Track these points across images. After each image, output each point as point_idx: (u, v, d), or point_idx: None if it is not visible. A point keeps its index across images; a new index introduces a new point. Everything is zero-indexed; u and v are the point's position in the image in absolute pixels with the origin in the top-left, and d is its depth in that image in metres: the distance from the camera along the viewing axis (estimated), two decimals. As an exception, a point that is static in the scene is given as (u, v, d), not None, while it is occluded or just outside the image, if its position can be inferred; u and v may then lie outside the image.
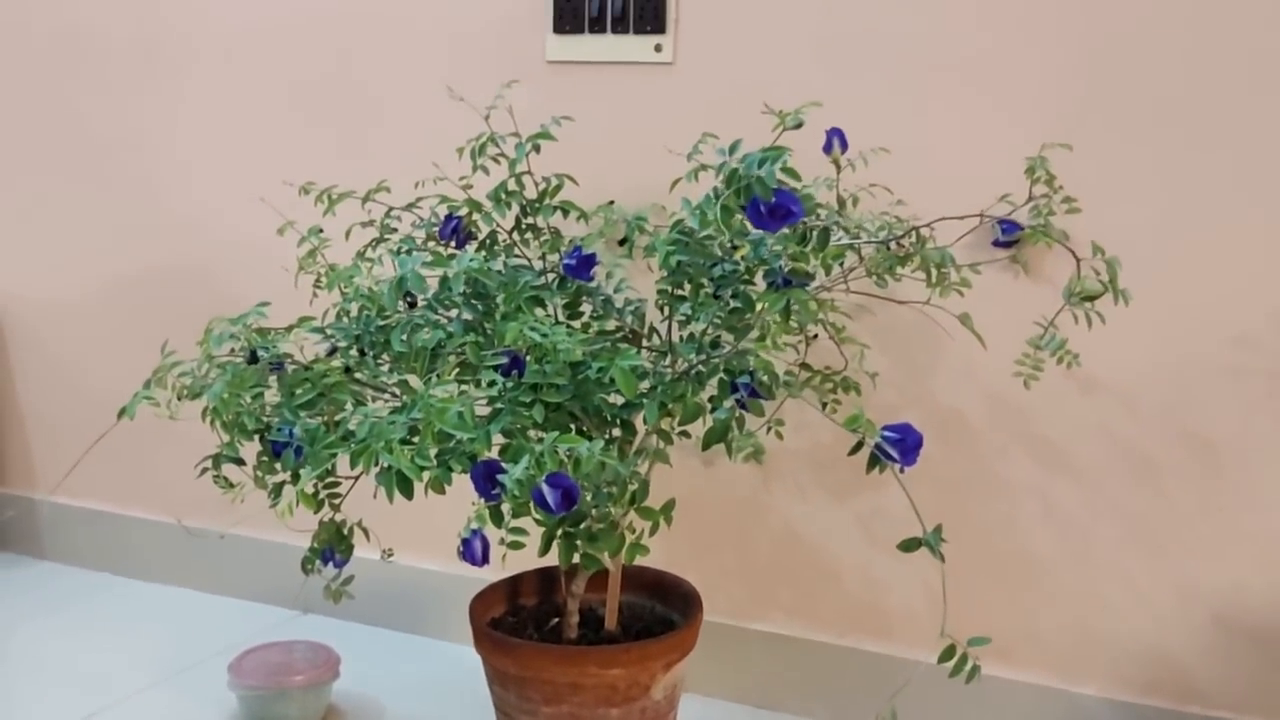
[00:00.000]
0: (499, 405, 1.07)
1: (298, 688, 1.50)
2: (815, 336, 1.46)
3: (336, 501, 1.28)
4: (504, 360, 1.06)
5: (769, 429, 1.53)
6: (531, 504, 0.92)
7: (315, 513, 1.27)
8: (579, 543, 0.99)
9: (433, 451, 0.98)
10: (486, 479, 1.02)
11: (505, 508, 1.03)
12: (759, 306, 1.01)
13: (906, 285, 1.40)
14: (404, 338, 1.23)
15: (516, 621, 1.39)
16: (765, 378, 1.07)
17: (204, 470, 1.29)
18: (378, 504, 1.59)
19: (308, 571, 1.32)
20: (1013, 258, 1.41)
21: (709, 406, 1.11)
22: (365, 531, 1.33)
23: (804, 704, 1.58)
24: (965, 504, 1.48)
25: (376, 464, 0.98)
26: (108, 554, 2.06)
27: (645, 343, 1.21)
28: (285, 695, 1.50)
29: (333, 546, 1.34)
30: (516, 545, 0.99)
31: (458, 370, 1.04)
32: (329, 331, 1.32)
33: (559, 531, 1.00)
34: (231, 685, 1.51)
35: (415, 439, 1.01)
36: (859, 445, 1.00)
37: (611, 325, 1.26)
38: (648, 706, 1.28)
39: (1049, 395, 1.42)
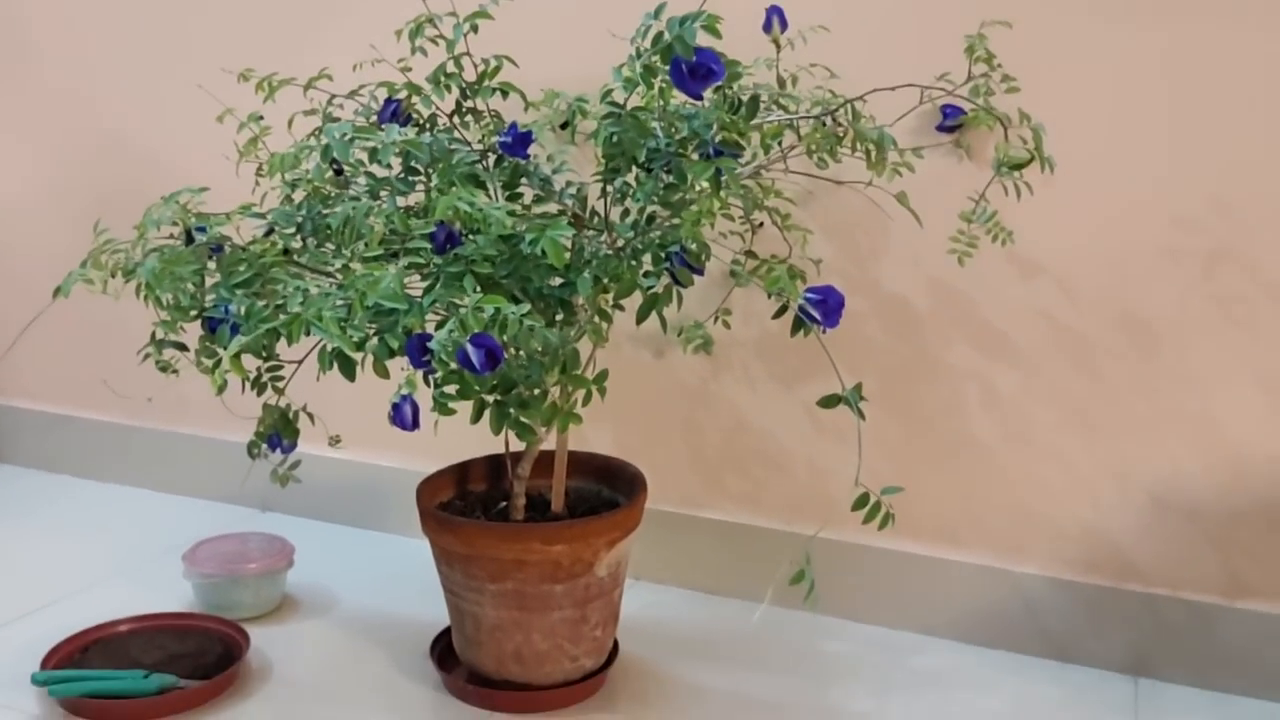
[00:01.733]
0: (431, 280, 1.07)
1: (252, 575, 1.52)
2: (761, 225, 1.46)
3: (280, 385, 1.28)
4: (434, 231, 1.06)
5: (716, 319, 1.54)
6: (457, 367, 0.93)
7: (258, 394, 1.28)
8: (511, 410, 1.00)
9: (370, 328, 0.99)
10: (418, 349, 1.03)
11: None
12: (689, 178, 1.01)
13: (848, 168, 1.41)
14: (335, 213, 1.23)
15: (464, 506, 1.40)
16: (694, 246, 1.07)
17: (145, 356, 1.30)
18: (329, 396, 1.60)
19: (254, 456, 1.33)
20: (956, 142, 1.41)
21: (645, 284, 1.12)
22: (310, 416, 1.34)
23: (751, 589, 1.61)
24: (909, 390, 1.50)
25: (307, 333, 0.98)
26: (64, 457, 2.06)
27: (586, 225, 1.21)
28: (239, 582, 1.52)
29: (279, 431, 1.35)
30: (446, 410, 0.99)
31: (384, 241, 1.03)
32: (269, 216, 1.31)
33: (491, 399, 1.01)
34: (187, 574, 1.53)
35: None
36: (783, 309, 1.00)
37: (553, 208, 1.26)
38: (591, 583, 1.30)
39: (989, 280, 1.43)
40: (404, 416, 0.97)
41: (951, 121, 1.38)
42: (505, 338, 0.92)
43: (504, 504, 1.40)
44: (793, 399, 1.56)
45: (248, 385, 1.29)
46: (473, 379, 0.97)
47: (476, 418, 1.03)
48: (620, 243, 1.11)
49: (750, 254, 1.42)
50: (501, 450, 1.45)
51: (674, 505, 1.63)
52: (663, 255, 1.09)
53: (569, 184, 1.28)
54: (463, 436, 1.42)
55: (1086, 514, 1.44)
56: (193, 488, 1.96)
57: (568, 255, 1.01)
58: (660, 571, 1.64)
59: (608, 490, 1.44)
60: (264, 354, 1.11)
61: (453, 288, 1.05)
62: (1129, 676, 1.43)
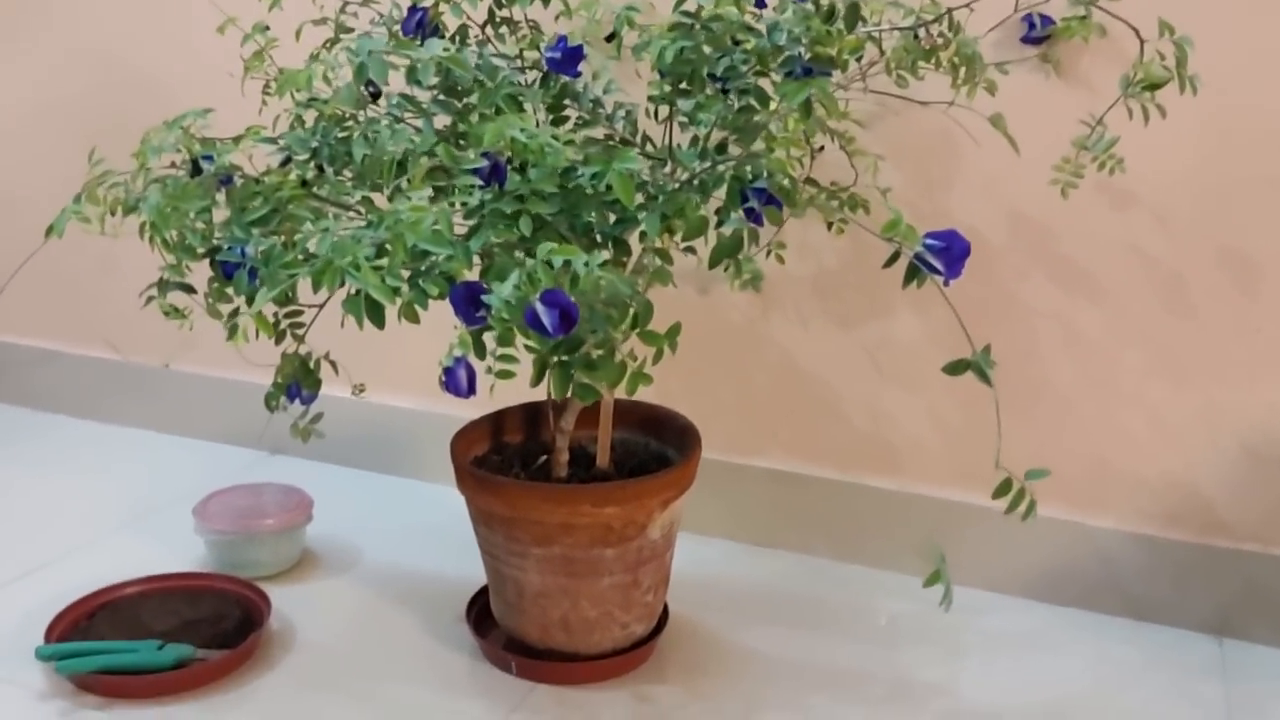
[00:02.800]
0: (478, 219, 0.94)
1: (269, 532, 1.41)
2: (822, 149, 1.33)
3: (300, 332, 1.16)
4: (483, 165, 0.93)
5: (769, 252, 1.41)
6: (523, 327, 0.81)
7: (276, 342, 1.16)
8: (574, 372, 0.88)
9: (405, 273, 0.86)
10: (469, 301, 0.90)
11: (491, 334, 0.91)
12: (774, 102, 0.87)
13: (923, 87, 1.27)
14: (367, 146, 1.09)
15: (501, 460, 1.29)
16: (785, 181, 0.94)
17: (149, 299, 1.17)
18: (347, 336, 1.46)
19: (272, 409, 1.21)
20: (1043, 56, 1.27)
21: (714, 220, 0.98)
22: (334, 365, 1.22)
23: (804, 541, 1.50)
24: (981, 330, 1.38)
25: (342, 284, 0.86)
26: (61, 394, 1.94)
27: (640, 151, 1.07)
28: (255, 540, 1.41)
29: (298, 381, 1.23)
30: (506, 375, 0.87)
31: (427, 178, 0.90)
32: (282, 142, 1.17)
33: (553, 360, 0.88)
34: (198, 530, 1.42)
35: (384, 259, 0.88)
36: (895, 256, 0.88)
37: (600, 133, 1.13)
38: (644, 546, 1.19)
39: (1074, 211, 1.30)
40: (458, 382, 0.85)
41: (1039, 33, 1.24)
42: (575, 292, 0.79)
43: (544, 458, 1.28)
44: (850, 340, 1.44)
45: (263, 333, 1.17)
46: (540, 340, 0.85)
47: (538, 379, 0.90)
48: (685, 174, 0.98)
49: (810, 181, 1.29)
50: (539, 399, 1.33)
51: (720, 453, 1.52)
52: (739, 189, 0.95)
53: (619, 106, 1.14)
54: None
55: (1172, 465, 1.33)
56: (200, 429, 1.84)
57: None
58: (707, 523, 1.54)
59: (655, 442, 1.33)
60: (285, 299, 0.98)
61: (500, 229, 0.92)
62: (1213, 637, 1.34)
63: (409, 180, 0.89)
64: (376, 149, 1.05)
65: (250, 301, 1.00)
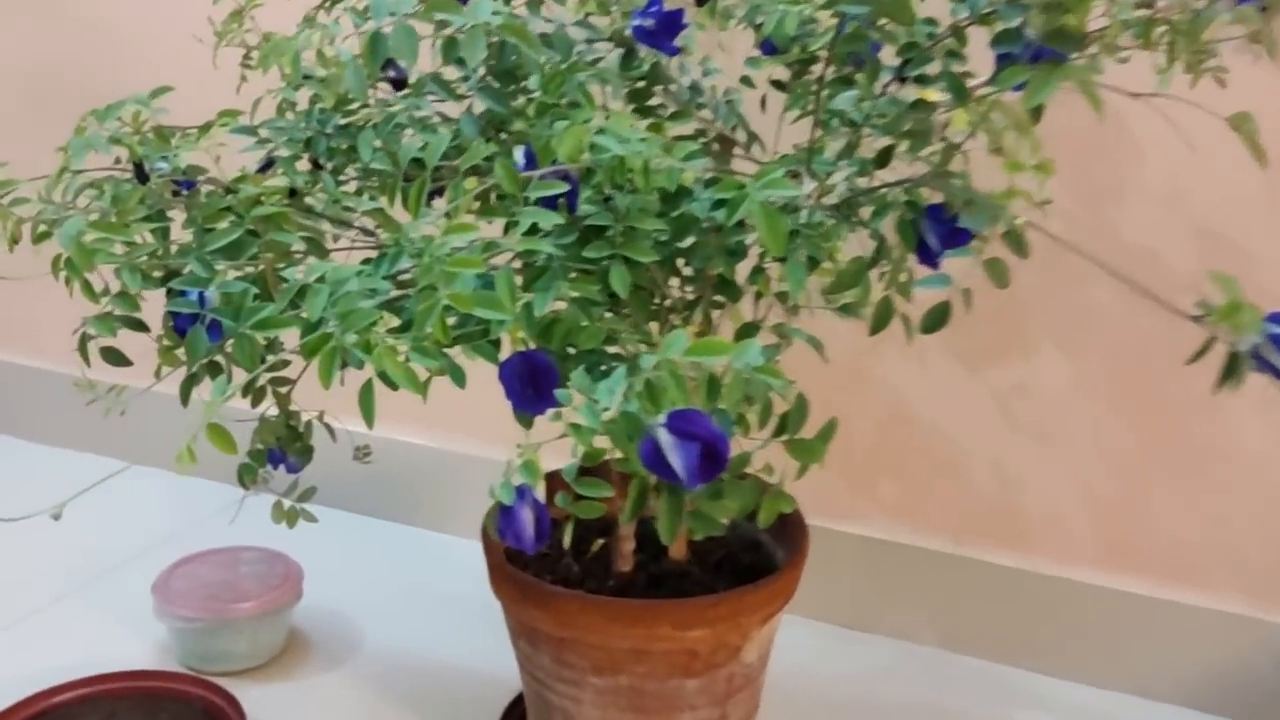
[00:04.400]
0: (543, 263, 0.65)
1: (246, 617, 1.12)
2: (958, 146, 1.03)
3: (284, 390, 0.87)
4: (559, 188, 0.63)
5: (887, 282, 1.12)
6: (631, 459, 0.52)
7: (253, 403, 0.86)
8: (689, 501, 0.59)
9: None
10: (530, 383, 0.61)
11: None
12: (990, 95, 0.58)
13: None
14: (378, 143, 0.80)
15: (549, 546, 1.00)
16: (1013, 222, 0.65)
17: (84, 339, 0.88)
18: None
19: (246, 485, 0.92)
20: (1253, 35, 0.97)
21: (867, 261, 0.69)
22: (329, 428, 0.93)
23: (909, 626, 1.22)
24: (1148, 377, 1.09)
25: (343, 366, 0.57)
26: (2, 412, 1.64)
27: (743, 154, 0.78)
28: (230, 627, 1.12)
29: (282, 447, 0.94)
30: (593, 510, 0.59)
31: (477, 204, 0.61)
32: (263, 133, 0.88)
33: (654, 483, 0.60)
34: (159, 613, 1.13)
35: (402, 318, 0.59)
36: (1205, 347, 0.59)
37: (691, 128, 0.83)
38: (736, 673, 0.91)
39: (1271, 233, 1.01)
40: (520, 528, 0.56)
41: (1260, 2, 0.94)
42: (714, 404, 0.51)
43: (601, 542, 1.00)
44: (977, 384, 1.15)
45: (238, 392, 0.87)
46: (662, 484, 0.56)
47: (633, 513, 0.61)
48: (832, 198, 0.68)
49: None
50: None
51: (810, 516, 1.23)
52: (910, 220, 0.66)
53: (724, 92, 0.84)
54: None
55: (1392, 554, 1.05)
56: (166, 459, 1.55)
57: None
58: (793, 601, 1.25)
59: (744, 522, 1.04)
60: (258, 359, 0.68)
61: (578, 282, 0.62)
62: None
63: (450, 208, 0.59)
64: (402, 153, 0.75)
65: (214, 371, 0.71)
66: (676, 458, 0.49)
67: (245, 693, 1.11)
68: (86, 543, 1.37)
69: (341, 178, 0.87)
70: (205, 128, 0.86)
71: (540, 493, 0.59)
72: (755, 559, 0.99)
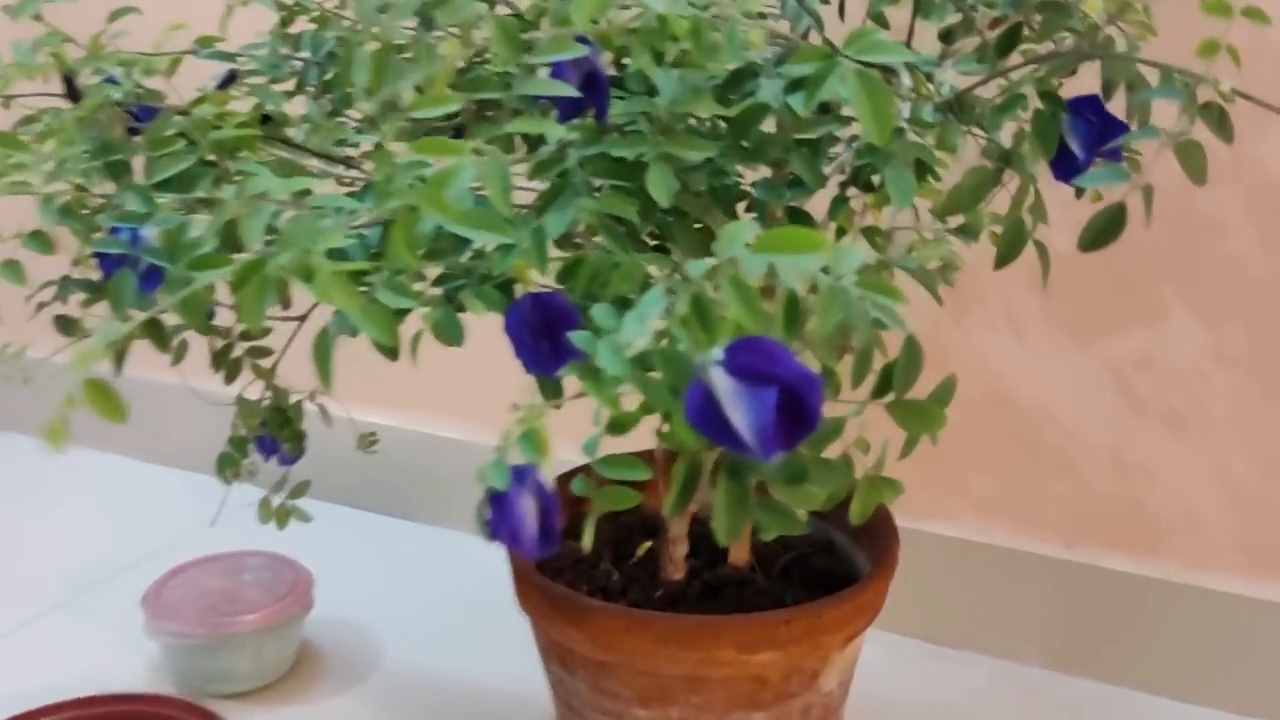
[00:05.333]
0: (558, 178, 0.50)
1: (249, 631, 0.98)
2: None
3: (264, 363, 0.72)
4: (574, 49, 0.48)
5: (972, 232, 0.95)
6: (682, 425, 0.36)
7: (228, 378, 0.73)
8: (753, 484, 0.43)
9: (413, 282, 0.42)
10: (544, 334, 0.46)
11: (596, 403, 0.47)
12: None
13: None
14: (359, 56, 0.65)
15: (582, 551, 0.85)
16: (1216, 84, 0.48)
17: (40, 305, 0.75)
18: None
19: (228, 479, 0.78)
20: None
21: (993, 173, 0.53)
22: (324, 411, 0.79)
23: (1011, 643, 1.05)
24: (1307, 348, 0.91)
25: (283, 303, 0.42)
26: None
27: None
28: (230, 643, 0.98)
29: (272, 435, 0.80)
30: (621, 499, 0.44)
31: (460, 88, 0.46)
32: (241, 59, 0.74)
33: (712, 462, 0.44)
34: (150, 629, 1.00)
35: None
36: None
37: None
38: (813, 703, 0.75)
39: None
40: (515, 524, 0.41)
41: None
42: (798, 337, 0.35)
43: (648, 545, 0.84)
44: (1090, 357, 0.98)
45: (208, 362, 0.73)
46: (725, 453, 0.40)
47: (680, 504, 0.46)
48: (947, 92, 0.52)
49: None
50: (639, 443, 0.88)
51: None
52: (1050, 113, 0.50)
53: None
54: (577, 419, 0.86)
55: None
56: (164, 452, 1.42)
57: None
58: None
59: (813, 517, 0.88)
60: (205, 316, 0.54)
61: (604, 198, 0.47)
62: None
63: (421, 79, 0.44)
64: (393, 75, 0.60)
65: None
66: (741, 412, 0.33)
67: (248, 718, 0.97)
68: (85, 548, 1.24)
69: (339, 116, 0.72)
70: (174, 59, 0.72)
71: (547, 470, 0.44)
72: (829, 563, 0.83)
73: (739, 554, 0.82)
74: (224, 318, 0.73)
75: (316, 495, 1.30)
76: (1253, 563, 0.96)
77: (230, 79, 0.67)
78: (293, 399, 0.77)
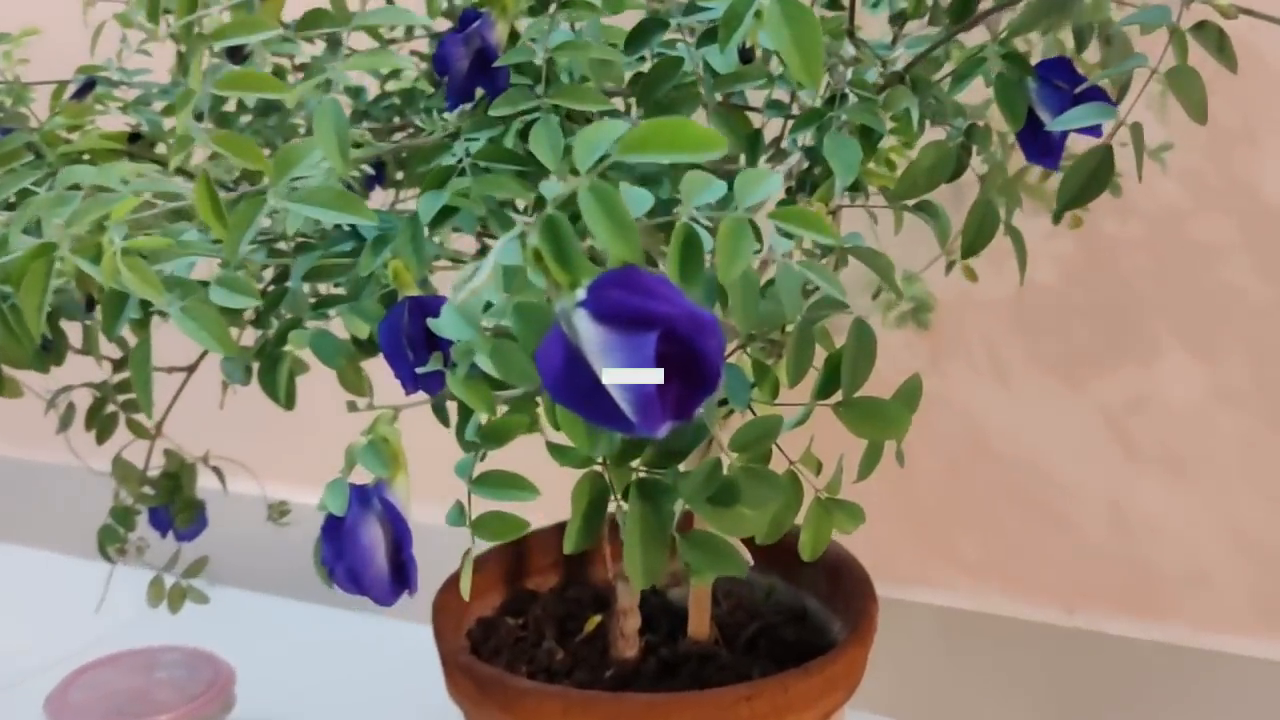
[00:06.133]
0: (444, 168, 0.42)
1: (159, 735, 0.88)
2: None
3: (140, 413, 0.64)
4: (462, 52, 0.40)
5: (949, 267, 0.88)
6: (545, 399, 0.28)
7: (99, 436, 0.64)
8: (682, 508, 0.35)
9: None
10: (422, 348, 0.38)
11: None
12: None
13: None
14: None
15: (523, 625, 0.75)
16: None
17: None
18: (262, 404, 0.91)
19: (110, 556, 0.68)
20: None
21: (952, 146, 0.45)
22: (219, 474, 0.69)
23: (1005, 717, 0.95)
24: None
25: (88, 305, 0.34)
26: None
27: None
28: (137, 750, 0.88)
29: (167, 504, 0.71)
30: (504, 528, 0.35)
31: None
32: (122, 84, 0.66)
33: (620, 471, 0.35)
34: (49, 736, 0.89)
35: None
36: None
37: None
38: (785, 794, 0.65)
39: None
40: (358, 557, 0.33)
41: None
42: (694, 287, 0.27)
43: (597, 619, 0.75)
44: (1082, 401, 0.90)
45: (80, 419, 0.65)
46: (587, 432, 0.32)
47: (580, 540, 0.37)
48: (896, 61, 0.44)
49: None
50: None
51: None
52: (1017, 82, 0.42)
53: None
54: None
55: None
56: (67, 539, 1.31)
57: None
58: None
59: (783, 583, 0.79)
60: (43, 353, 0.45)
61: (488, 180, 0.39)
62: None
63: (226, 23, 0.36)
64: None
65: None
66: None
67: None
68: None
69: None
70: (59, 88, 0.65)
71: (404, 495, 0.35)
72: (801, 634, 0.74)
73: (699, 625, 0.72)
74: (97, 369, 0.65)
75: (242, 582, 1.21)
76: (1268, 621, 0.87)
77: (88, 87, 0.59)
78: (186, 462, 0.68)
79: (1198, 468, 0.87)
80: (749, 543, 0.74)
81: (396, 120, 0.63)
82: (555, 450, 0.35)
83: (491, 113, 0.39)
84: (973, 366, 0.93)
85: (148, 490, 0.67)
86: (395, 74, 0.66)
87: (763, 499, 0.35)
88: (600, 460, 0.36)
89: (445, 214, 0.39)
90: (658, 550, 0.35)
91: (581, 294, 0.26)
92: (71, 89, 0.58)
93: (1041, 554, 0.93)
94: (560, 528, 0.79)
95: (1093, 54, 0.48)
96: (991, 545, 0.95)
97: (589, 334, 0.25)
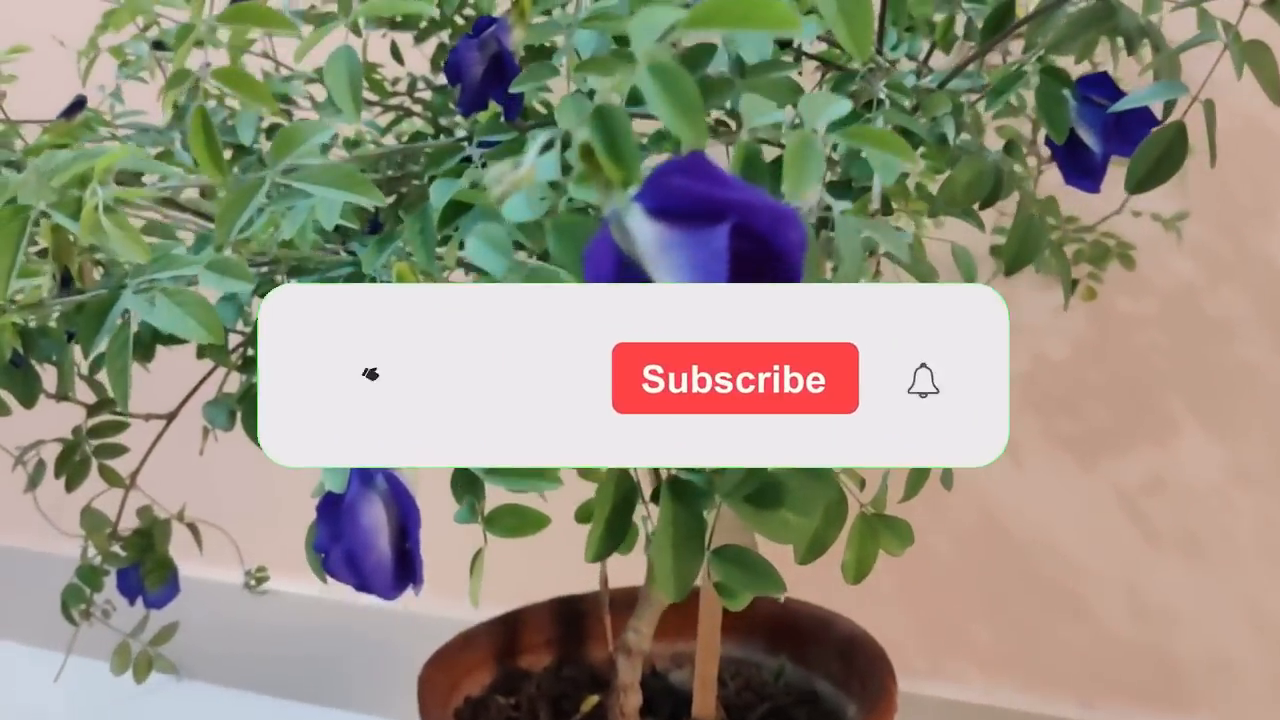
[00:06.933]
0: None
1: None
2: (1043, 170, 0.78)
3: (111, 463, 0.60)
4: (477, 57, 0.38)
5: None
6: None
7: (69, 484, 0.60)
8: (725, 510, 0.31)
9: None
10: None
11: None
12: None
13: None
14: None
15: (515, 705, 0.70)
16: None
17: None
18: (233, 460, 0.86)
19: (74, 620, 0.64)
20: None
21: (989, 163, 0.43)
22: (194, 531, 0.65)
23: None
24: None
25: (56, 259, 0.31)
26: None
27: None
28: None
29: (137, 564, 0.66)
30: (523, 523, 0.32)
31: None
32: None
33: (663, 487, 0.31)
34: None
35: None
36: None
37: None
38: None
39: None
40: (358, 542, 0.29)
41: None
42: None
43: (595, 700, 0.70)
44: (1096, 482, 0.87)
45: (49, 468, 0.61)
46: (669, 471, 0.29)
47: (601, 550, 0.33)
48: (928, 78, 0.42)
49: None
50: (584, 583, 0.75)
51: (877, 675, 0.92)
52: (1059, 95, 0.40)
53: None
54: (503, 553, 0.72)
55: None
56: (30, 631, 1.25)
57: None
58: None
59: (792, 664, 0.74)
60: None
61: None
62: None
63: None
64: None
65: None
66: (674, 269, 0.22)
67: None
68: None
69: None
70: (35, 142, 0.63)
71: (411, 474, 0.31)
72: (814, 717, 0.69)
73: (705, 706, 0.68)
74: (73, 414, 0.61)
75: (221, 679, 1.14)
76: (1303, 718, 0.83)
77: (77, 106, 0.57)
78: (156, 521, 0.64)
79: (1217, 550, 0.84)
80: (760, 619, 0.70)
81: (396, 173, 0.61)
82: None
83: (513, 89, 0.36)
84: (983, 445, 0.90)
85: (117, 550, 0.63)
86: (397, 122, 0.64)
87: (813, 500, 0.32)
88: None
89: (456, 211, 0.36)
90: (691, 557, 0.31)
91: (634, 191, 0.23)
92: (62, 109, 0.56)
93: (1057, 643, 0.89)
94: (555, 604, 0.75)
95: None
96: (1005, 634, 0.90)
97: (645, 234, 0.22)
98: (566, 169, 0.25)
